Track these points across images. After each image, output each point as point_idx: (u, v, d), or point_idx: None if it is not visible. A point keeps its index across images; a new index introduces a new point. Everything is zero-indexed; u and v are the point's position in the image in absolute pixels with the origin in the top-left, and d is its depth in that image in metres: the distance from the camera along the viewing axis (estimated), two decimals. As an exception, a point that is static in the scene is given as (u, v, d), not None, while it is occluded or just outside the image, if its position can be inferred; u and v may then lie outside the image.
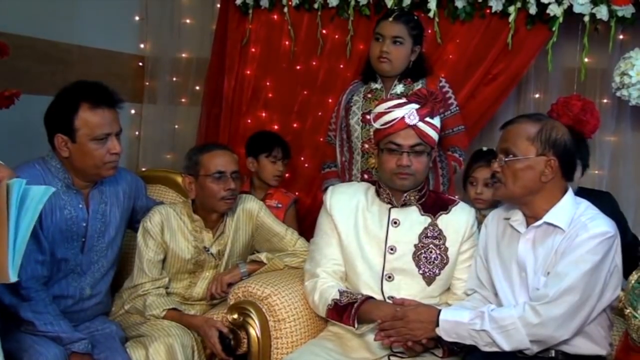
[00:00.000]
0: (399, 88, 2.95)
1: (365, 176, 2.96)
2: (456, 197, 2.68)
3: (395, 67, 2.96)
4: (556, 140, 2.14)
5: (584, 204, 2.21)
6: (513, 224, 2.25)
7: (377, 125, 2.43)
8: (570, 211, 2.16)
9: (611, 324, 2.23)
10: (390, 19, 2.95)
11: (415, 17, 3.05)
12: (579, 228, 2.11)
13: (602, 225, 2.10)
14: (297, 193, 3.53)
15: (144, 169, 3.93)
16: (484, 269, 2.34)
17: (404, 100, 2.44)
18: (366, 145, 2.97)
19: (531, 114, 2.36)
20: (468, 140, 3.08)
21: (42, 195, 1.74)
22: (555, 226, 2.15)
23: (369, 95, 3.01)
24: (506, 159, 2.16)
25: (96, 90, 2.36)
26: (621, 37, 3.19)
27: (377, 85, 3.03)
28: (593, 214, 2.15)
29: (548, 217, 2.16)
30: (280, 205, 3.25)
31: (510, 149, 2.16)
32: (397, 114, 2.36)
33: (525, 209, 2.22)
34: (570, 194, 2.20)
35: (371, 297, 2.36)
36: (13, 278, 1.70)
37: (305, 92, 3.64)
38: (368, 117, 2.87)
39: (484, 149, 2.85)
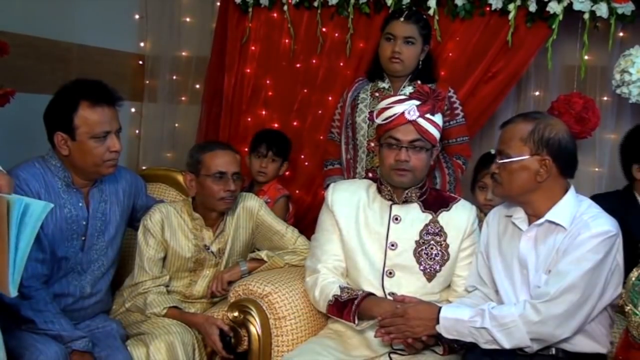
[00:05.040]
0: (408, 90, 2.95)
1: (370, 175, 2.96)
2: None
3: (407, 67, 2.97)
4: (549, 139, 2.14)
5: (586, 202, 2.21)
6: (515, 221, 2.25)
7: (378, 120, 2.44)
8: (572, 209, 2.16)
9: (612, 322, 2.23)
10: (402, 19, 2.95)
11: (424, 17, 3.06)
12: (580, 226, 2.11)
13: (604, 224, 2.10)
14: (297, 191, 3.53)
15: (144, 168, 3.94)
16: (485, 266, 2.34)
17: (405, 96, 2.45)
18: (372, 144, 2.97)
19: (529, 112, 2.35)
20: (471, 150, 3.08)
21: (41, 212, 1.78)
22: (557, 224, 2.15)
23: (377, 94, 3.02)
24: (501, 161, 2.17)
25: (95, 89, 2.36)
26: (621, 34, 3.19)
27: (385, 85, 3.03)
28: (595, 213, 2.15)
29: (550, 215, 2.16)
30: (269, 200, 3.25)
31: (505, 150, 2.17)
32: (398, 109, 2.37)
33: (526, 208, 2.22)
34: (572, 192, 2.20)
35: (372, 294, 2.37)
36: (13, 293, 1.76)
37: (305, 91, 3.64)
38: None
39: (492, 151, 2.85)
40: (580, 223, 2.12)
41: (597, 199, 2.69)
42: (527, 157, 2.14)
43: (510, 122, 2.23)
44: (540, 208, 2.18)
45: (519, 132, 2.16)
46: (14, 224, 1.73)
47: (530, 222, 2.22)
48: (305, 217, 3.47)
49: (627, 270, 2.09)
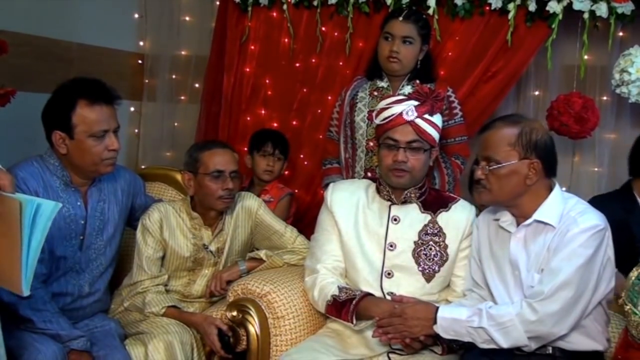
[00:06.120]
0: (407, 89, 2.94)
1: (369, 174, 2.96)
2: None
3: (405, 67, 2.96)
4: (537, 142, 2.14)
5: (573, 199, 2.21)
6: (502, 224, 2.25)
7: (377, 120, 2.44)
8: (559, 207, 2.16)
9: (608, 318, 2.24)
10: (400, 18, 2.94)
11: (424, 16, 3.05)
12: (569, 223, 2.11)
13: (592, 219, 2.11)
14: (296, 190, 3.53)
15: (143, 167, 3.94)
16: (478, 270, 2.35)
17: (404, 96, 2.45)
18: (371, 143, 2.96)
19: (507, 116, 2.34)
20: (469, 150, 3.08)
21: (51, 211, 1.81)
22: (546, 223, 2.15)
23: (375, 93, 3.01)
24: (490, 167, 2.16)
25: (93, 87, 2.36)
26: (621, 34, 3.19)
27: (384, 84, 3.02)
28: (582, 209, 2.16)
29: (537, 215, 2.16)
30: (272, 199, 3.26)
31: (492, 156, 2.16)
32: (396, 109, 2.37)
33: (513, 211, 2.23)
34: (557, 190, 2.20)
35: (370, 294, 2.37)
36: (26, 292, 1.79)
37: (304, 90, 3.64)
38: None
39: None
40: (569, 220, 2.12)
41: (596, 200, 2.70)
42: (516, 161, 2.14)
43: (491, 127, 2.21)
44: (527, 209, 2.18)
45: (506, 137, 2.15)
46: (26, 224, 1.75)
47: (518, 224, 2.22)
48: (305, 217, 3.47)
49: (628, 269, 2.10)
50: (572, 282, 2.05)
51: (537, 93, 3.41)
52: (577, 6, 3.05)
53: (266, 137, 3.36)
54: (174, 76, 4.12)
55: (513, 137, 2.14)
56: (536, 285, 2.12)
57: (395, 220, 2.45)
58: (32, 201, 1.77)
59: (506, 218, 2.25)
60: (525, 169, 2.14)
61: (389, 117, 2.37)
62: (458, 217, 2.46)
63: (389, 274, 2.42)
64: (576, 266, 2.05)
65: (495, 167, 2.15)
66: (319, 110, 3.57)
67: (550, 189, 2.19)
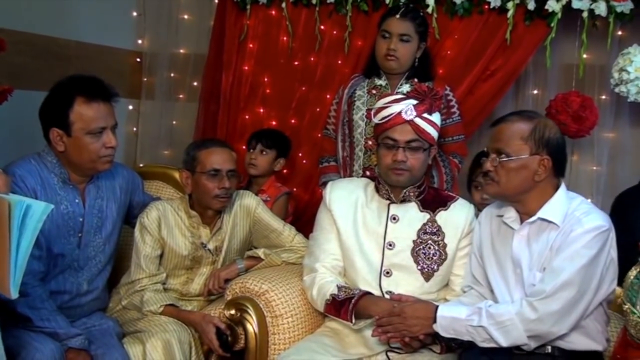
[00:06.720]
0: (405, 88, 2.94)
1: (367, 173, 2.95)
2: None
3: (403, 65, 2.96)
4: (549, 139, 2.14)
5: (578, 199, 2.21)
6: (506, 221, 2.25)
7: (376, 120, 2.44)
8: (564, 206, 2.16)
9: (608, 318, 2.23)
10: (398, 16, 2.93)
11: (421, 14, 3.05)
12: (573, 223, 2.10)
13: (596, 220, 2.10)
14: (295, 189, 3.52)
15: (141, 165, 3.92)
16: (479, 267, 2.34)
17: (402, 95, 2.44)
18: (369, 142, 2.96)
19: (522, 111, 2.35)
20: (467, 148, 3.08)
21: (42, 213, 1.80)
22: (550, 222, 2.15)
23: (374, 92, 3.01)
24: (500, 160, 2.15)
25: (91, 84, 2.36)
26: (620, 33, 3.19)
27: (382, 82, 3.02)
28: (587, 209, 2.15)
29: (542, 213, 2.16)
30: (269, 199, 3.25)
31: (504, 149, 2.15)
32: (394, 109, 2.37)
33: (518, 206, 2.22)
34: (562, 189, 2.19)
35: (369, 293, 2.36)
36: (14, 295, 1.78)
37: (303, 88, 3.64)
38: None
39: (486, 150, 2.85)
40: (573, 219, 2.12)
41: (623, 197, 2.73)
42: (527, 156, 2.13)
43: (505, 120, 2.21)
44: (532, 206, 2.18)
45: (519, 131, 2.14)
46: (15, 225, 1.74)
47: (521, 221, 2.21)
48: (303, 215, 3.46)
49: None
50: (574, 283, 2.04)
51: (535, 92, 3.41)
52: (576, 5, 3.05)
53: (254, 135, 3.36)
54: (172, 74, 4.11)
55: (526, 132, 2.14)
56: (537, 284, 2.11)
57: (394, 219, 2.45)
58: (22, 202, 1.75)
59: (510, 214, 2.24)
60: (535, 165, 2.13)
61: (388, 116, 2.37)
62: (457, 216, 2.46)
63: (387, 273, 2.42)
64: (578, 266, 2.05)
65: (506, 160, 2.14)
66: (318, 109, 3.57)
67: (557, 188, 2.19)
